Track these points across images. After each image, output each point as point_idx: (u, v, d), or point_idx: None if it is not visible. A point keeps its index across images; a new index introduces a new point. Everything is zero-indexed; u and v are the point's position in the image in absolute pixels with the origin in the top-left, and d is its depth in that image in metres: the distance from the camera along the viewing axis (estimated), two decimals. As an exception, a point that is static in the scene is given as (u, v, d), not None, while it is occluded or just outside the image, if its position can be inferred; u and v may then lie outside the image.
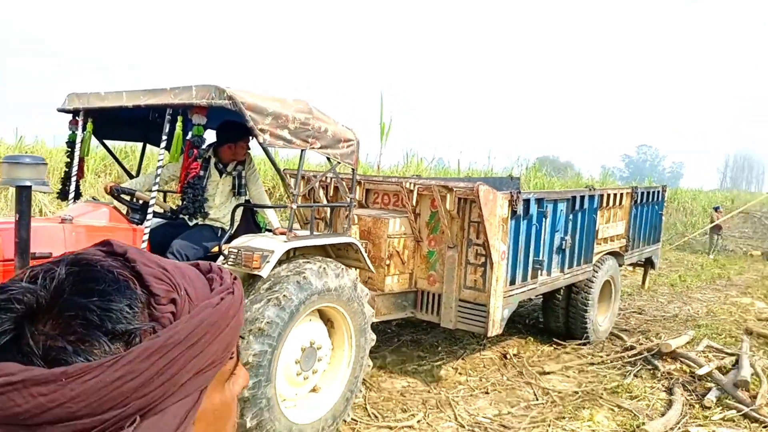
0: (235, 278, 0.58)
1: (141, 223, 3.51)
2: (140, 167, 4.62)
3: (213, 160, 3.91)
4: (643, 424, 4.60)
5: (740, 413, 4.94)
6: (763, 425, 4.74)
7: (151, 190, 3.44)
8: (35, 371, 0.45)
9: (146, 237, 3.31)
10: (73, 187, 3.74)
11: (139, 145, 5.01)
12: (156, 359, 0.48)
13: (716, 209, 18.07)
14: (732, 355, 6.39)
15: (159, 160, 3.39)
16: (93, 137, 3.99)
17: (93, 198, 3.96)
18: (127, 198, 3.76)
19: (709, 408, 5.06)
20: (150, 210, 3.32)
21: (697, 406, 5.12)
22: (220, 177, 3.94)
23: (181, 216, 3.57)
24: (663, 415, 4.86)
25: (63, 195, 3.82)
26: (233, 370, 0.58)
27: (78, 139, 3.78)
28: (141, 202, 3.71)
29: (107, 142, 4.40)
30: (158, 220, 3.78)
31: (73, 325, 0.48)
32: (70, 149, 3.87)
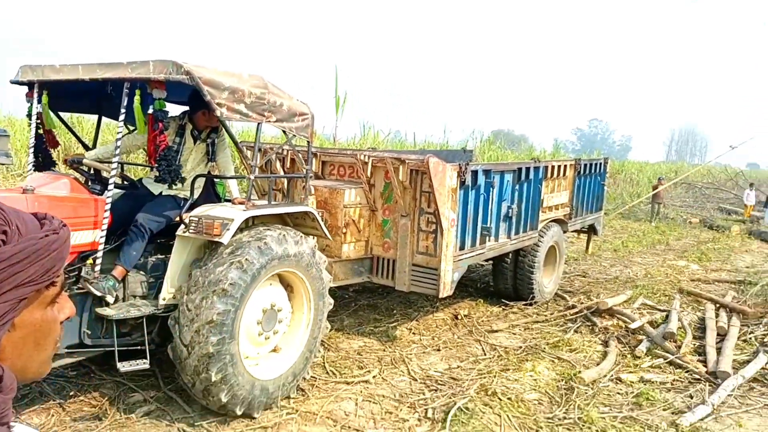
0: (64, 225, 0.79)
1: (101, 194, 3.63)
2: (96, 139, 4.67)
3: (189, 127, 4.03)
4: (580, 372, 5.04)
5: (666, 361, 5.46)
6: (685, 370, 5.26)
7: (111, 162, 3.56)
8: None
9: (108, 207, 3.44)
10: (31, 158, 3.80)
11: (87, 116, 5.06)
12: None
13: (660, 179, 18.99)
14: (664, 311, 6.95)
15: (118, 133, 3.50)
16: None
17: (52, 169, 4.02)
18: (86, 169, 3.86)
19: (640, 357, 5.57)
20: (111, 181, 3.45)
21: (629, 356, 5.61)
22: (194, 144, 4.07)
23: (146, 185, 3.70)
24: (598, 364, 5.32)
25: (38, 166, 3.89)
26: (55, 298, 0.77)
27: (34, 111, 3.83)
28: (93, 171, 3.83)
29: (62, 114, 4.44)
30: (118, 191, 3.89)
31: None
32: (30, 121, 3.92)
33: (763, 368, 5.26)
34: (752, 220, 18.98)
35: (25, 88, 3.98)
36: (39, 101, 3.84)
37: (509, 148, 27.04)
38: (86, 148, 4.45)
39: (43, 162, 4.12)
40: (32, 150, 3.82)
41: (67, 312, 0.79)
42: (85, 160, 3.84)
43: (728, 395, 4.71)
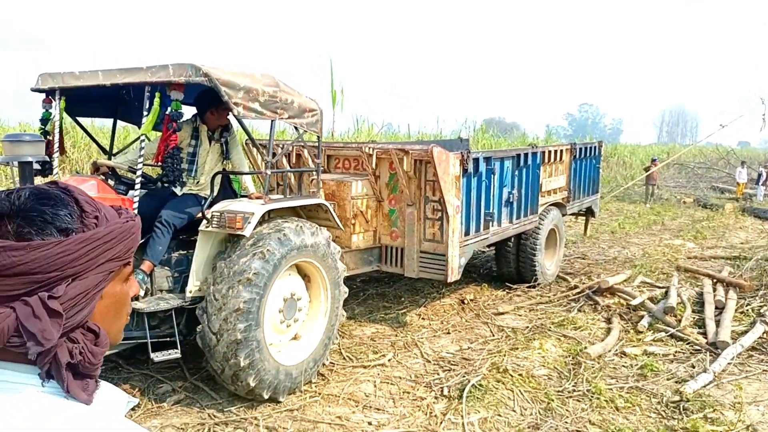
0: (135, 215, 0.94)
1: (126, 194, 3.80)
2: (112, 142, 4.83)
3: (204, 129, 4.20)
4: (585, 348, 5.26)
5: (668, 334, 5.68)
6: (687, 342, 5.48)
7: (136, 165, 3.73)
8: (12, 242, 0.76)
9: (136, 206, 3.61)
10: (56, 163, 3.96)
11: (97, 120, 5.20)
12: (84, 245, 0.80)
13: (653, 161, 19.25)
14: (663, 288, 7.18)
15: (141, 136, 3.67)
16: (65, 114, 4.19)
17: (77, 172, 4.17)
18: (108, 171, 4.02)
19: (642, 332, 5.79)
20: (138, 182, 3.61)
21: (632, 331, 5.83)
22: (210, 144, 4.24)
23: (166, 185, 3.87)
24: (602, 340, 5.54)
25: (43, 172, 4.03)
26: (128, 276, 0.91)
27: (56, 117, 3.98)
28: (112, 173, 4.00)
29: (80, 120, 4.58)
30: (142, 191, 4.05)
31: (35, 221, 0.78)
32: (44, 127, 4.07)
33: (760, 337, 5.49)
34: (745, 197, 19.29)
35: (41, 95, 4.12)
36: (58, 107, 3.98)
37: (502, 135, 27.24)
38: (104, 152, 4.60)
39: (49, 167, 4.24)
40: (57, 155, 3.97)
41: (135, 290, 0.95)
42: (112, 162, 4.00)
43: (728, 363, 4.94)
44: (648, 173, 18.17)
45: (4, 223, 0.78)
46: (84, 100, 4.35)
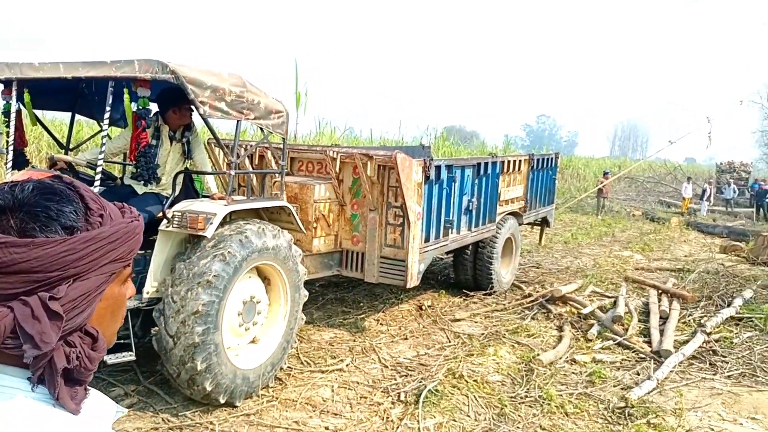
0: (139, 215, 0.89)
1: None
2: (69, 137, 4.69)
3: (165, 130, 4.12)
4: (538, 355, 5.41)
5: (615, 342, 5.91)
6: (632, 351, 5.71)
7: (96, 161, 3.64)
8: (14, 238, 0.72)
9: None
10: (10, 156, 3.82)
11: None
12: (88, 245, 0.76)
13: (605, 174, 19.94)
14: (611, 297, 7.46)
15: (103, 131, 3.58)
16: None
17: (33, 167, 4.04)
18: (65, 167, 3.91)
19: (591, 340, 6.00)
20: (97, 179, 3.52)
21: (582, 339, 6.04)
22: (171, 144, 4.17)
23: (127, 184, 3.78)
24: (554, 347, 5.71)
25: (15, 165, 3.89)
26: (127, 278, 0.87)
27: (13, 109, 3.84)
28: (70, 169, 3.89)
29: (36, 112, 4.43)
30: (101, 188, 3.96)
31: (39, 216, 0.75)
32: (6, 119, 3.92)
33: (700, 346, 5.77)
34: (690, 212, 20.19)
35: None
36: (19, 99, 3.85)
37: (462, 144, 27.64)
38: (61, 146, 4.46)
39: (16, 160, 4.12)
40: (11, 148, 3.83)
41: (131, 292, 0.92)
42: (70, 158, 3.88)
43: (670, 371, 5.17)
44: (597, 187, 18.83)
45: (5, 217, 0.74)
46: (42, 92, 4.20)
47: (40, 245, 0.73)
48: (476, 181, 6.89)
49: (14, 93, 3.82)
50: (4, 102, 3.96)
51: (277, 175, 4.87)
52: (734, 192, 22.47)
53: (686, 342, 5.86)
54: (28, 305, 0.72)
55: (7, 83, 3.90)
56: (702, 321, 6.52)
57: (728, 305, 7.06)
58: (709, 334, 6.07)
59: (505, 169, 7.58)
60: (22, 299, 0.73)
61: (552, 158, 9.26)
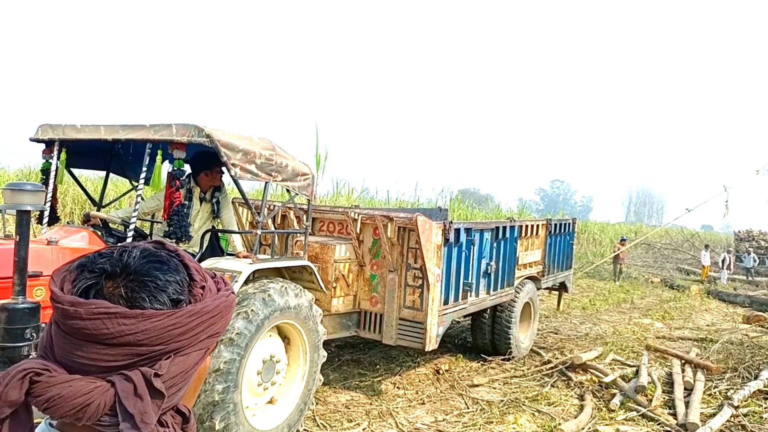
0: (232, 288, 0.85)
1: (114, 247, 3.82)
2: (103, 194, 4.86)
3: (197, 191, 4.28)
4: (560, 424, 5.26)
5: (639, 414, 5.73)
6: (657, 423, 5.53)
7: (129, 218, 3.77)
8: (124, 309, 0.68)
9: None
10: (47, 213, 3.97)
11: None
12: (193, 319, 0.72)
13: (622, 240, 19.84)
14: (633, 366, 7.29)
15: (138, 191, 3.73)
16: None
17: (68, 222, 4.18)
18: (99, 224, 4.04)
19: (614, 410, 5.83)
20: (130, 235, 3.64)
21: (604, 409, 5.87)
22: (200, 205, 4.31)
23: (173, 241, 3.89)
24: (576, 417, 5.55)
25: (41, 220, 4.03)
26: (212, 350, 0.84)
27: (53, 168, 4.02)
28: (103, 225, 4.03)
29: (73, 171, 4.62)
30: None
31: (148, 286, 0.71)
32: (45, 177, 4.10)
33: (728, 420, 5.58)
34: (710, 280, 19.86)
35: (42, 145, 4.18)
36: (58, 158, 4.04)
37: (477, 206, 27.84)
38: (94, 203, 4.63)
39: (50, 217, 4.27)
40: (49, 205, 3.98)
41: (208, 362, 0.84)
42: (104, 214, 4.03)
43: (698, 446, 4.99)
44: (614, 254, 18.76)
45: (114, 284, 0.71)
46: (78, 152, 4.40)
47: (149, 317, 0.69)
48: (495, 245, 6.93)
49: (55, 153, 4.02)
50: (44, 161, 4.15)
51: (299, 234, 4.95)
52: (754, 261, 22.13)
53: (713, 415, 5.67)
54: (130, 381, 0.67)
55: (50, 143, 4.10)
56: (728, 393, 6.32)
57: (755, 378, 6.85)
58: (736, 407, 5.87)
59: (524, 234, 7.62)
60: (123, 373, 0.68)
61: (569, 223, 9.31)
